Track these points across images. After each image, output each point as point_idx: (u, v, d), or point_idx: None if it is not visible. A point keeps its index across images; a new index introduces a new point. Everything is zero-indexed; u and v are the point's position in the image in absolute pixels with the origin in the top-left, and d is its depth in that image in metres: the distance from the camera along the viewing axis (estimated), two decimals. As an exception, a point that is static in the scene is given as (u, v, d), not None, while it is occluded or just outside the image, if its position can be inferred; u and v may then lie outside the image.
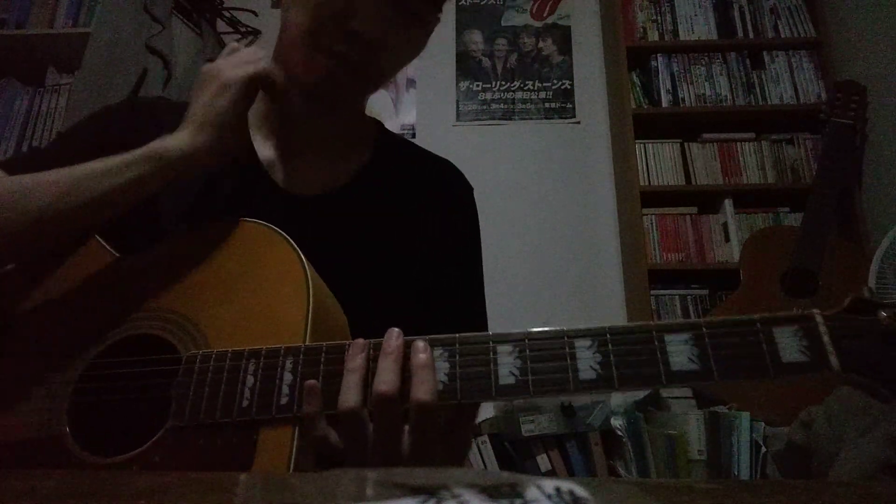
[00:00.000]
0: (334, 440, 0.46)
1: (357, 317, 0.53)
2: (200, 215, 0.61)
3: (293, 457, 0.45)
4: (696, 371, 0.43)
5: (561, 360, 0.45)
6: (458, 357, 0.46)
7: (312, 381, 0.45)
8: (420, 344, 0.45)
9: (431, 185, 0.72)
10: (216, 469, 0.46)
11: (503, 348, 0.46)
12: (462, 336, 0.46)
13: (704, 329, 0.44)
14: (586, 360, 0.45)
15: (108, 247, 0.61)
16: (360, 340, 0.47)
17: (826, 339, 0.42)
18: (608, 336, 0.46)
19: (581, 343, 0.46)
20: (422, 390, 0.43)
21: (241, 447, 0.46)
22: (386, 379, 0.44)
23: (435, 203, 0.71)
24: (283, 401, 0.47)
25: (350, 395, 0.44)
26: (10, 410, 0.53)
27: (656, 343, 0.45)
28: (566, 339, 0.46)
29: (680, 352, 0.44)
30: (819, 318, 0.43)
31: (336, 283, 0.60)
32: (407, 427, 0.45)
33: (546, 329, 0.47)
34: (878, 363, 0.41)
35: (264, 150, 0.68)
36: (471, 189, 0.75)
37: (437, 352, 0.46)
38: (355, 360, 0.46)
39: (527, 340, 0.46)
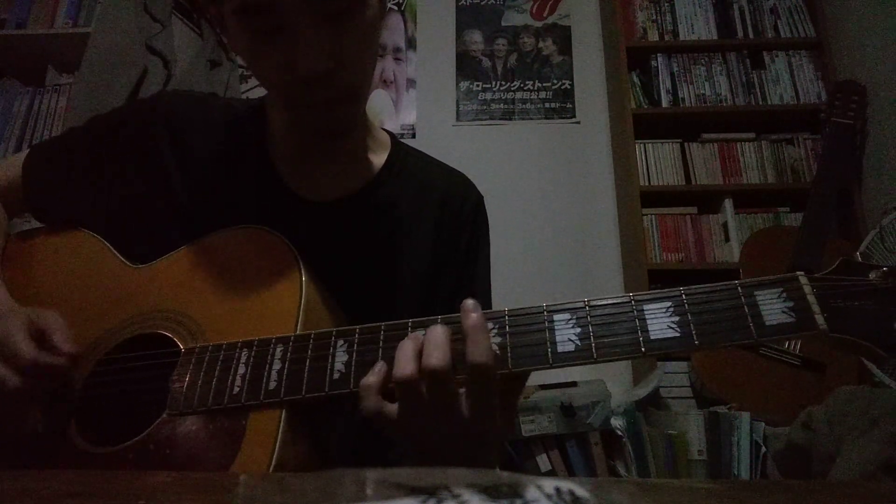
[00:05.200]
0: (389, 412, 0.46)
1: (365, 318, 0.53)
2: (218, 222, 0.62)
3: (279, 439, 0.46)
4: (676, 338, 0.43)
5: (540, 333, 0.46)
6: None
7: (381, 362, 0.47)
8: (470, 303, 0.46)
9: (442, 193, 0.73)
10: (207, 453, 0.48)
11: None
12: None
13: (684, 296, 0.45)
14: (564, 333, 0.46)
15: (121, 257, 0.65)
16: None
17: (811, 299, 0.42)
18: (587, 308, 0.46)
19: (560, 317, 0.46)
20: (477, 352, 0.44)
21: (231, 432, 0.48)
22: (438, 353, 0.44)
23: (445, 211, 0.72)
24: (272, 386, 0.49)
25: (405, 363, 0.45)
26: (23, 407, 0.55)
27: (635, 312, 0.45)
28: (545, 313, 0.47)
29: (659, 320, 0.44)
30: (804, 280, 0.43)
31: (345, 286, 0.62)
32: (464, 392, 0.46)
33: (527, 306, 0.48)
34: (870, 323, 0.40)
35: (281, 158, 0.69)
36: (481, 198, 0.76)
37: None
38: (406, 339, 0.47)
39: (507, 317, 0.47)
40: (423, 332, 0.47)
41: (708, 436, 1.57)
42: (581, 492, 0.22)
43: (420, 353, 0.45)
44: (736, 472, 1.51)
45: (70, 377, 0.56)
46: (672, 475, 1.54)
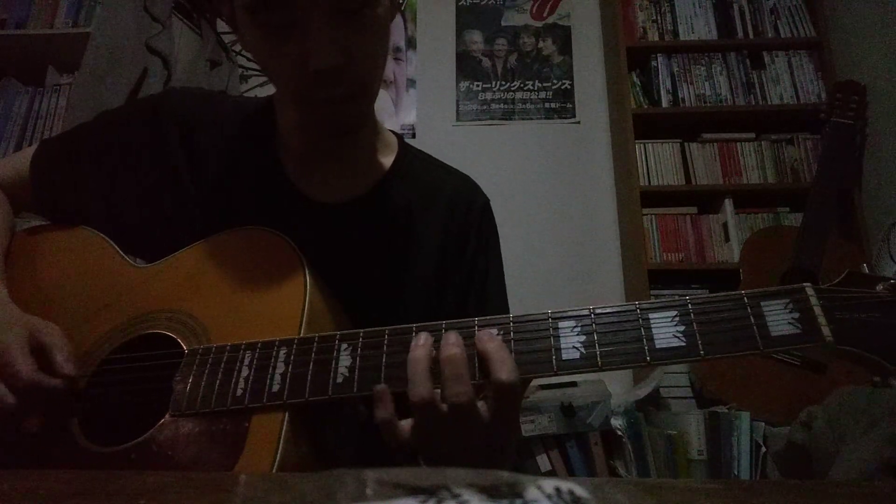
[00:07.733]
0: (403, 428, 0.47)
1: (369, 321, 0.53)
2: (224, 222, 0.62)
3: (281, 442, 0.46)
4: (682, 347, 0.43)
5: (545, 340, 0.46)
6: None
7: (382, 386, 0.46)
8: (488, 331, 0.47)
9: (449, 197, 0.73)
10: (209, 455, 0.48)
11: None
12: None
13: (690, 306, 0.44)
14: (569, 341, 0.46)
15: (125, 256, 0.64)
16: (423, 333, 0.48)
17: (818, 311, 0.42)
18: (592, 316, 0.46)
19: (565, 324, 0.46)
20: (504, 372, 0.44)
21: (234, 434, 0.48)
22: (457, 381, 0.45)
23: (452, 215, 0.72)
24: (275, 388, 0.49)
25: (421, 386, 0.45)
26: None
27: (640, 321, 0.45)
28: (550, 320, 0.47)
29: (665, 329, 0.44)
30: (810, 291, 0.43)
31: (350, 288, 0.62)
32: (481, 405, 0.46)
33: (531, 313, 0.48)
34: (876, 335, 0.40)
35: (290, 158, 0.69)
36: (488, 202, 0.76)
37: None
38: (417, 351, 0.47)
39: (511, 324, 0.48)
40: (431, 338, 0.48)
41: (708, 436, 1.57)
42: (581, 492, 0.22)
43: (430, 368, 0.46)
44: (736, 472, 1.51)
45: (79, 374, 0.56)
46: (672, 475, 1.54)
